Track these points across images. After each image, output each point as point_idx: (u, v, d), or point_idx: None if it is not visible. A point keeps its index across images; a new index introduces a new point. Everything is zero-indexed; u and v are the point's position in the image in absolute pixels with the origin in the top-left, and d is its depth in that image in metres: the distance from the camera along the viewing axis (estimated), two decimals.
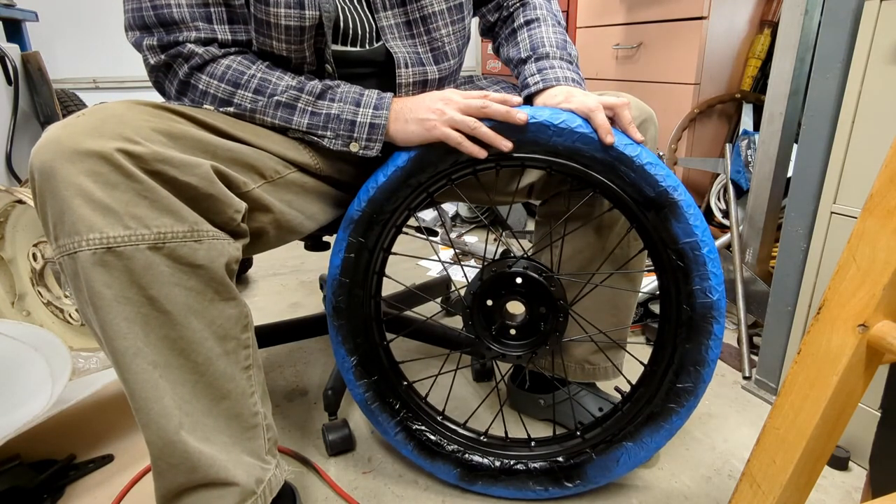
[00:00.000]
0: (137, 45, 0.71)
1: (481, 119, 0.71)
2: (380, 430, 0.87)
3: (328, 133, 0.73)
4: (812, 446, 0.56)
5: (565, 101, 0.74)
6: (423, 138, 0.72)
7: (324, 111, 0.72)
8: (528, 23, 0.88)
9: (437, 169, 0.75)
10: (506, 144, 0.71)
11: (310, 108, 0.72)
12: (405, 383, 0.86)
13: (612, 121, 0.73)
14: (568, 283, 0.90)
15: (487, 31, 0.98)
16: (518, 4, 0.91)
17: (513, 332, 0.81)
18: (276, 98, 0.71)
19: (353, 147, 0.73)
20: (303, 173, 0.76)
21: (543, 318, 0.79)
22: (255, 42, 0.74)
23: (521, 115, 0.70)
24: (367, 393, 0.85)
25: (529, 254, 0.80)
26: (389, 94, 0.74)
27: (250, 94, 0.71)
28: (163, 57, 0.70)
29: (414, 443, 0.86)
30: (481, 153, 0.72)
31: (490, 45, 0.99)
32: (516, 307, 0.82)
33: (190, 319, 0.58)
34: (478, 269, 0.79)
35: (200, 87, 0.71)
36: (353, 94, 0.73)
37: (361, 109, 0.72)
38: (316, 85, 0.73)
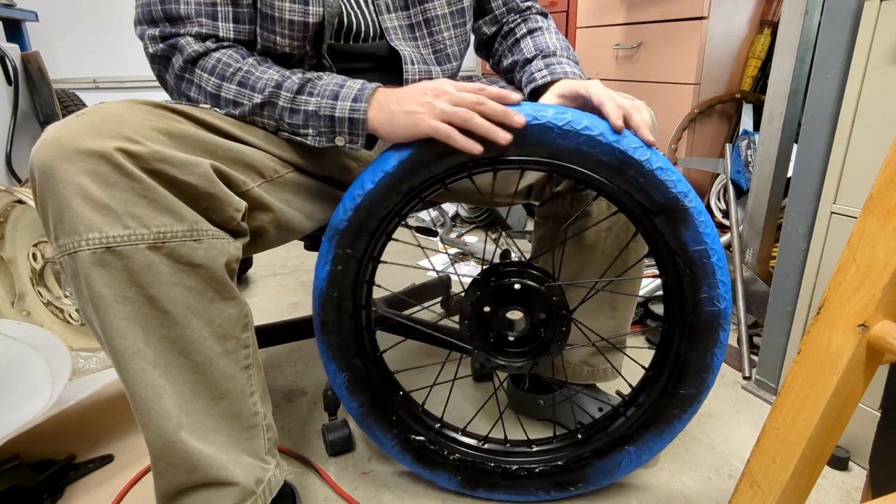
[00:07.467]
0: (141, 37, 0.71)
1: None
2: (377, 443, 0.85)
3: (310, 131, 0.70)
4: (812, 446, 0.56)
5: (580, 87, 0.72)
6: (411, 133, 0.67)
7: (302, 107, 0.69)
8: (531, 32, 0.89)
9: (430, 173, 0.69)
10: (504, 136, 0.64)
11: (289, 106, 0.69)
12: (401, 393, 0.84)
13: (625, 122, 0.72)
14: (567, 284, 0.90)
15: (482, 47, 0.99)
16: (519, 20, 0.92)
17: (512, 337, 0.79)
18: (257, 98, 0.69)
19: (340, 141, 0.69)
20: (300, 173, 0.76)
21: (544, 325, 0.77)
22: (259, 38, 0.74)
23: (519, 117, 0.65)
24: (361, 407, 0.82)
25: (529, 257, 0.78)
26: (374, 85, 0.69)
27: (234, 87, 0.70)
28: (161, 46, 0.70)
29: (413, 454, 0.84)
30: (475, 148, 0.65)
31: (489, 62, 1.00)
32: (515, 313, 0.79)
33: (190, 319, 0.58)
34: (476, 273, 0.77)
35: (195, 80, 0.71)
36: (331, 87, 0.69)
37: (339, 103, 0.68)
38: (295, 81, 0.69)
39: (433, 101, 0.65)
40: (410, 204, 0.73)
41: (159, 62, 0.72)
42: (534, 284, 0.75)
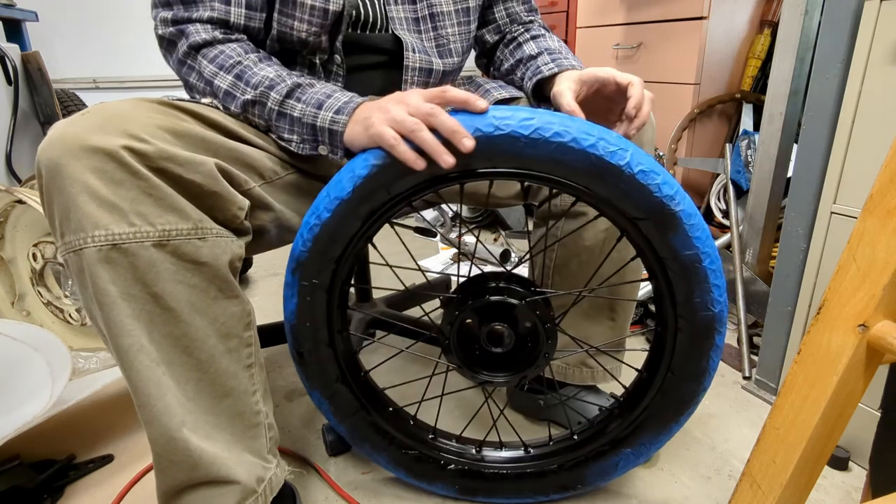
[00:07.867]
0: (154, 19, 0.72)
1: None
2: (372, 461, 0.84)
3: (294, 137, 0.70)
4: (812, 446, 0.57)
5: (602, 71, 0.73)
6: (364, 140, 0.64)
7: (288, 112, 0.69)
8: (534, 37, 0.91)
9: (389, 194, 0.65)
10: (446, 160, 0.60)
11: (277, 108, 0.69)
12: (390, 409, 0.82)
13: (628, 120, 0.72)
14: (563, 285, 0.89)
15: (483, 55, 1.01)
16: (522, 30, 0.94)
17: (498, 350, 0.76)
18: (249, 94, 0.69)
19: (323, 150, 0.69)
20: (299, 174, 0.76)
21: (530, 335, 0.74)
22: (275, 24, 0.75)
23: (468, 141, 0.59)
24: (351, 430, 0.81)
25: (516, 261, 0.76)
26: (361, 99, 0.68)
27: (230, 78, 0.70)
28: (170, 29, 0.71)
29: (408, 469, 0.84)
30: (417, 163, 0.60)
31: (489, 70, 1.02)
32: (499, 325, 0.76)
33: (193, 317, 0.58)
34: (467, 280, 0.74)
35: (196, 66, 0.71)
36: (318, 96, 0.68)
37: (322, 113, 0.67)
38: (287, 84, 0.69)
39: (390, 108, 0.62)
40: (375, 226, 0.68)
41: (166, 45, 0.73)
42: (513, 301, 0.71)
